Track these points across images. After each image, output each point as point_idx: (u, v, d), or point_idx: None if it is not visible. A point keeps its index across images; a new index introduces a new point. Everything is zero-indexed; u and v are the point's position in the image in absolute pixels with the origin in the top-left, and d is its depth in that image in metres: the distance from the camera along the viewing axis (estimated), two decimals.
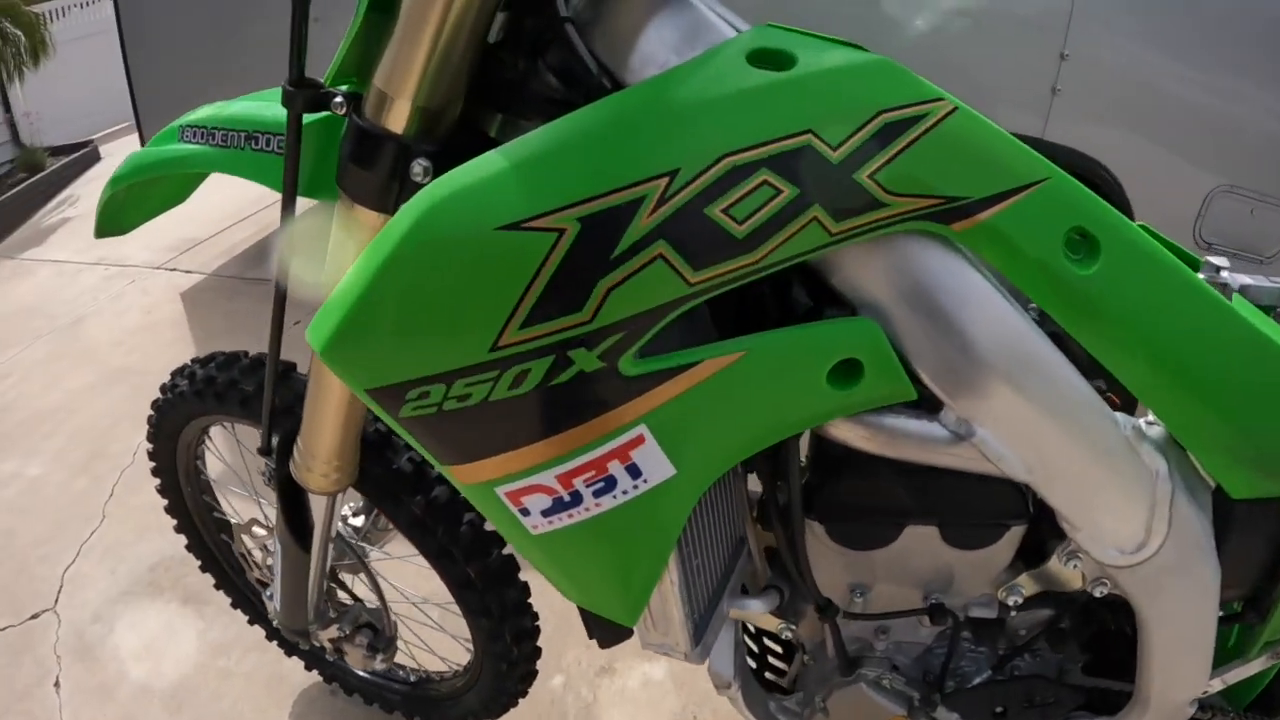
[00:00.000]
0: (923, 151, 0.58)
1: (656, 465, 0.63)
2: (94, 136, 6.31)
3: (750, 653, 1.11)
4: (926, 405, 0.70)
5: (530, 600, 1.28)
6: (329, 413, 0.97)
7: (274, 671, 1.76)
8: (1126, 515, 0.76)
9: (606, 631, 0.78)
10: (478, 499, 0.67)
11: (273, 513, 1.16)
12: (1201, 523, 0.77)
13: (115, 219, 1.12)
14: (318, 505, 1.10)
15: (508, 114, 0.72)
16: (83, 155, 6.10)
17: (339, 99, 0.72)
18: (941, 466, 0.73)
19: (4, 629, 2.06)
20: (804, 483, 0.80)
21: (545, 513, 0.65)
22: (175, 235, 4.22)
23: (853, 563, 0.85)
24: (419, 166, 0.69)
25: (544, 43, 0.68)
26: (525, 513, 0.65)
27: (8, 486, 2.59)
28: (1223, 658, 0.90)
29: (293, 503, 1.10)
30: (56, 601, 2.10)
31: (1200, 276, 0.84)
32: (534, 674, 1.35)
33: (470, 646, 1.35)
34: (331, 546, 1.27)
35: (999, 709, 0.95)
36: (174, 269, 3.98)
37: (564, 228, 0.54)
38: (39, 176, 5.59)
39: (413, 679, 1.55)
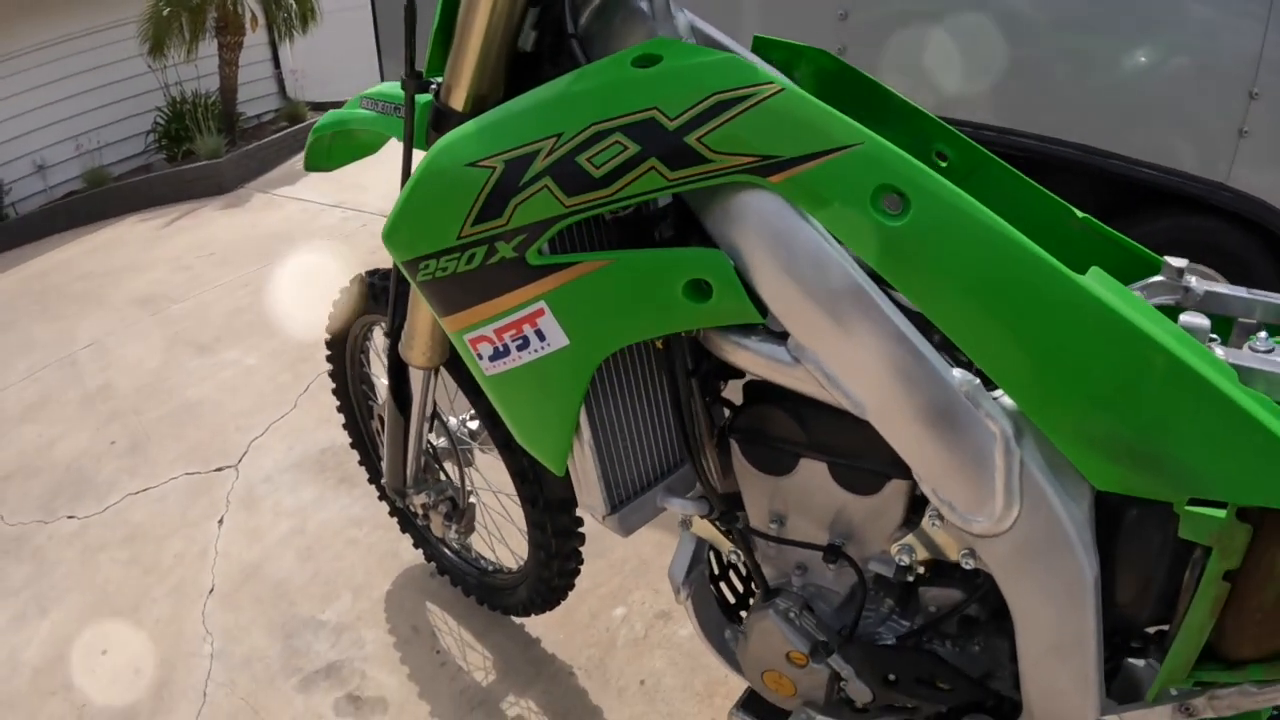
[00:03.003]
0: (745, 121, 0.75)
1: (555, 334, 0.89)
2: (351, 98, 7.02)
3: (735, 592, 1.26)
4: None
5: (576, 506, 1.50)
6: (422, 304, 1.29)
7: (390, 549, 2.11)
8: (968, 475, 0.77)
9: (552, 483, 1.02)
10: (456, 342, 0.96)
11: None
12: (1067, 508, 0.76)
13: (321, 159, 1.52)
14: (417, 382, 1.40)
15: None
16: (311, 128, 6.81)
17: (434, 85, 1.03)
18: (793, 390, 0.84)
19: (193, 473, 2.53)
20: (736, 407, 0.99)
21: (491, 358, 0.94)
22: None
23: (767, 488, 0.99)
24: None
25: (559, 53, 0.94)
26: (480, 356, 0.94)
27: (227, 369, 3.12)
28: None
29: (399, 378, 1.43)
30: (239, 461, 2.56)
31: (1150, 282, 0.88)
32: (575, 573, 1.60)
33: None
34: (437, 431, 1.56)
35: (891, 676, 0.99)
36: None
37: (495, 166, 0.83)
38: (298, 126, 6.35)
39: (488, 569, 1.85)
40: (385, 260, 1.69)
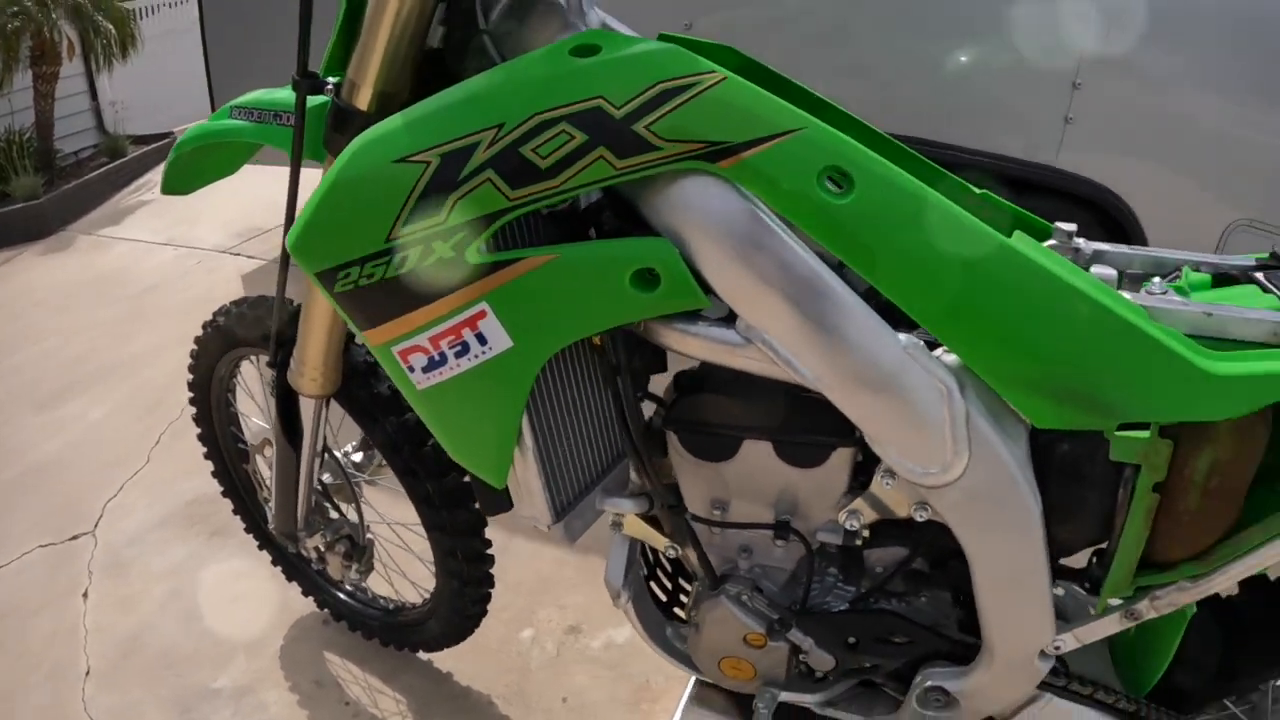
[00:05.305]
0: (692, 109, 0.76)
1: (498, 336, 0.86)
2: (175, 130, 6.60)
3: (665, 590, 1.26)
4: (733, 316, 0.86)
5: (485, 528, 1.47)
6: (316, 326, 1.21)
7: (278, 600, 1.98)
8: (919, 431, 0.83)
9: (489, 499, 0.99)
10: (382, 358, 0.90)
11: None
12: (1010, 450, 0.83)
13: (179, 181, 1.40)
14: (308, 412, 1.31)
15: None
16: (163, 146, 6.38)
17: (330, 85, 0.98)
18: (745, 370, 0.86)
19: (46, 545, 2.32)
20: (668, 399, 0.98)
21: (424, 369, 0.89)
22: (242, 224, 4.53)
23: (708, 476, 1.00)
24: None
25: (469, 49, 0.92)
26: (411, 369, 0.89)
27: (69, 426, 2.88)
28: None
29: (288, 410, 1.35)
30: (96, 526, 2.36)
31: (1053, 241, 0.96)
32: (488, 597, 1.54)
33: (434, 570, 1.53)
34: (325, 467, 1.48)
35: (851, 639, 1.04)
36: (238, 254, 4.28)
37: (430, 161, 0.79)
38: (120, 162, 5.91)
39: (390, 607, 1.76)
40: (231, 296, 1.62)
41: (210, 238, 4.48)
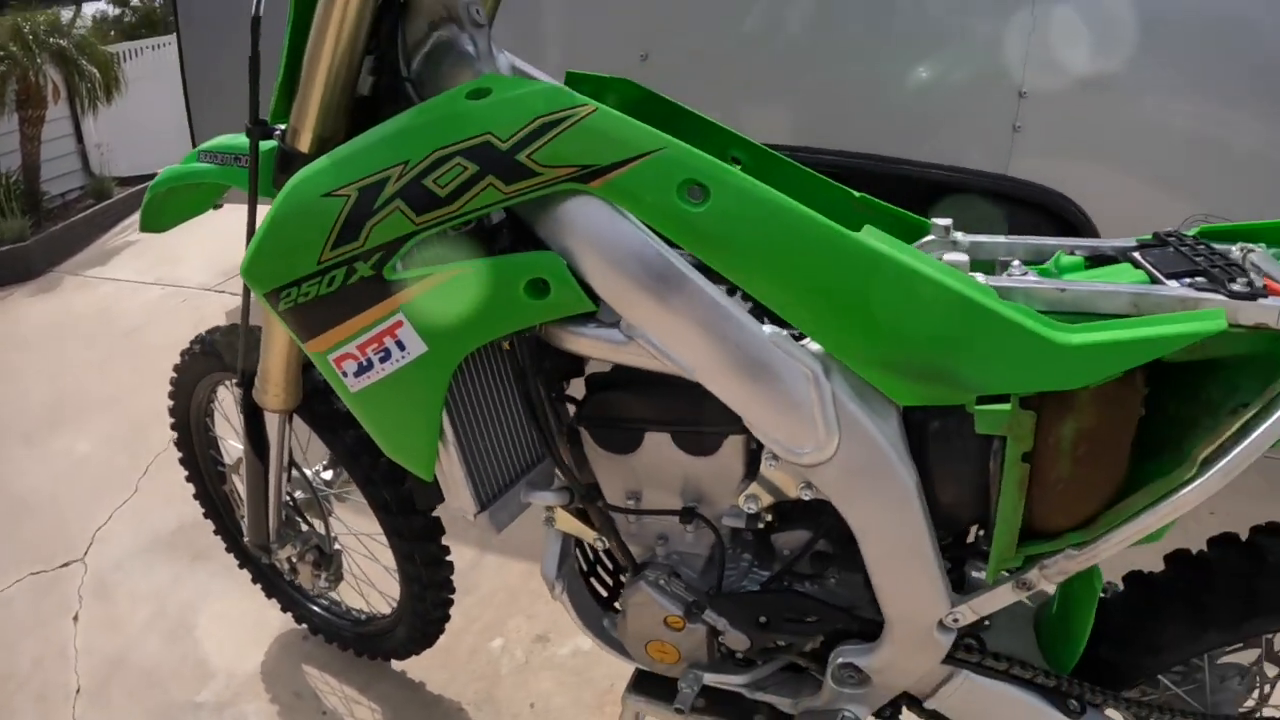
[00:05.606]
0: (566, 138, 0.87)
1: (414, 342, 0.97)
2: (159, 170, 6.69)
3: (606, 585, 1.35)
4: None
5: (442, 534, 1.55)
6: (275, 345, 1.32)
7: (258, 618, 2.07)
8: (791, 414, 0.90)
9: (422, 493, 1.09)
10: (321, 365, 1.01)
11: None
12: (879, 427, 0.90)
13: (155, 220, 1.53)
14: (274, 428, 1.41)
15: None
16: (148, 187, 6.50)
17: (278, 131, 1.10)
18: (634, 366, 0.96)
19: (37, 573, 2.41)
20: (581, 398, 1.09)
21: (355, 374, 1.00)
22: (226, 262, 4.64)
23: (619, 468, 1.09)
24: None
25: (394, 94, 1.03)
26: (345, 374, 1.00)
27: (58, 460, 2.97)
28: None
29: (256, 426, 1.45)
30: (85, 554, 2.45)
31: (934, 235, 1.04)
32: (449, 602, 1.63)
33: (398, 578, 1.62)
34: (295, 484, 1.57)
35: (762, 619, 1.11)
36: (222, 291, 4.39)
37: (350, 194, 0.92)
38: (106, 203, 6.01)
39: (361, 618, 1.86)
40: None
41: (195, 276, 4.59)
